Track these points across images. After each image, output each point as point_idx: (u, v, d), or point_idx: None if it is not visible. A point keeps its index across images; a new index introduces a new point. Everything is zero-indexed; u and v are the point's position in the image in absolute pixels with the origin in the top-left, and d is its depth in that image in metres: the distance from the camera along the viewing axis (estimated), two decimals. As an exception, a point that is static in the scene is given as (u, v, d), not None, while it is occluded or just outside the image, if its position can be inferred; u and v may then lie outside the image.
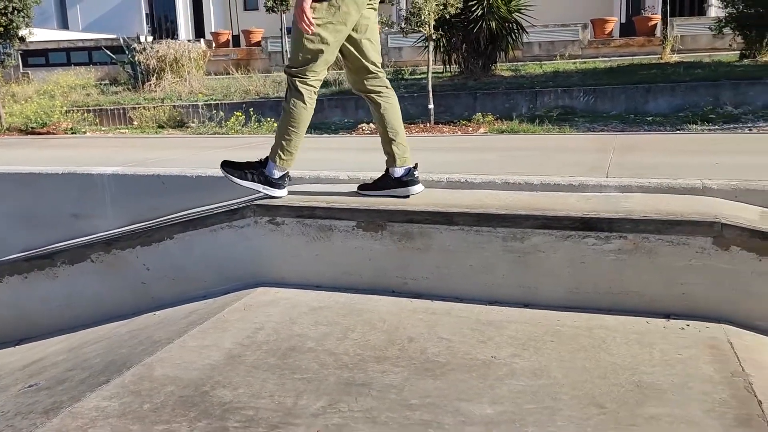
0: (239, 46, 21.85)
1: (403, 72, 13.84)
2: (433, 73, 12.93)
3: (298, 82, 2.78)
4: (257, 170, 2.90)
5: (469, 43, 11.77)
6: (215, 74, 15.63)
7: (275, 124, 7.84)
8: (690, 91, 9.25)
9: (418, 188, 2.92)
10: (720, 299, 2.34)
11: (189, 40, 15.79)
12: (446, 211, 2.64)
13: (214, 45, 21.17)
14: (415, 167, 2.95)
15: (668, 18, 13.69)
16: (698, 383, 1.91)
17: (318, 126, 9.22)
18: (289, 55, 2.82)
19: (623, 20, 19.74)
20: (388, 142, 2.93)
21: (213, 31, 22.81)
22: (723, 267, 2.32)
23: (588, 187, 2.87)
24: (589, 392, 1.88)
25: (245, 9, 24.68)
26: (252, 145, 5.22)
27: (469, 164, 3.59)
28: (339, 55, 2.88)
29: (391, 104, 2.93)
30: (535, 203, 2.70)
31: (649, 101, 9.31)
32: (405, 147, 2.93)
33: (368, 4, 2.79)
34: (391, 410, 1.81)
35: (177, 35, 23.32)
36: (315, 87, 2.82)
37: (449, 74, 12.02)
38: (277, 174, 2.89)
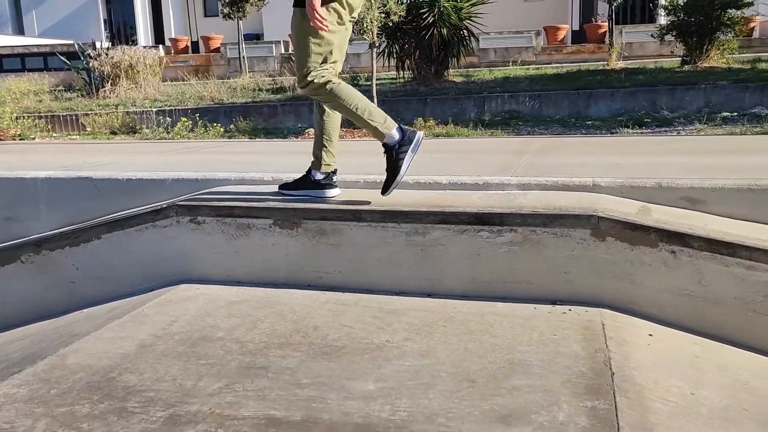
0: (198, 52, 21.81)
1: (359, 78, 14.04)
2: (387, 79, 13.21)
3: (316, 81, 2.74)
4: (389, 149, 2.82)
5: (421, 49, 12.03)
6: (174, 80, 15.63)
7: (221, 129, 7.98)
8: (629, 97, 9.62)
9: (334, 192, 3.05)
10: (599, 286, 2.56)
11: (145, 47, 15.76)
12: (355, 209, 2.82)
13: (173, 51, 21.11)
14: (335, 172, 3.07)
15: (613, 25, 14.11)
16: (564, 359, 2.11)
17: (271, 131, 9.35)
18: (298, 69, 2.78)
19: (575, 27, 20.25)
20: (319, 147, 3.02)
21: (172, 37, 22.70)
22: (601, 256, 2.54)
23: (492, 186, 3.08)
24: (466, 369, 2.07)
25: (205, 15, 24.63)
26: (190, 149, 5.34)
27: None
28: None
29: (335, 113, 2.99)
30: (440, 201, 2.89)
31: (591, 106, 9.66)
32: (333, 156, 3.03)
33: (351, 17, 2.84)
34: (282, 389, 1.98)
35: (136, 41, 23.17)
36: (331, 69, 2.79)
37: (403, 80, 12.26)
38: (397, 136, 2.82)
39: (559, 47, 18.22)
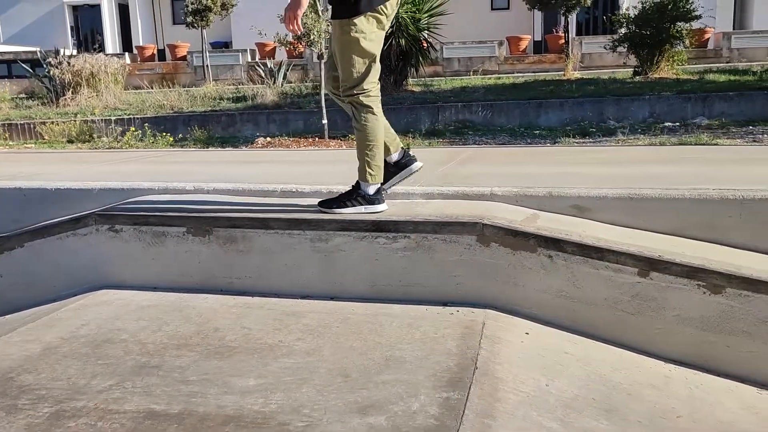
0: (165, 60, 21.81)
1: (319, 87, 14.20)
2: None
3: (362, 98, 2.82)
4: (353, 194, 2.95)
5: (381, 59, 12.24)
6: (140, 88, 15.66)
7: (171, 139, 8.09)
8: (578, 107, 9.92)
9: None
10: (485, 288, 2.74)
11: (111, 54, 15.78)
12: (263, 217, 2.98)
13: (139, 59, 21.09)
14: (408, 147, 3.10)
15: (569, 37, 14.47)
16: (437, 356, 2.29)
17: (227, 139, 9.48)
18: (342, 79, 2.83)
19: (538, 38, 20.66)
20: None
21: (138, 44, 22.68)
22: (486, 260, 2.73)
23: (398, 194, 3.26)
24: (344, 366, 2.24)
25: (174, 23, 24.65)
26: (133, 159, 5.45)
27: (317, 175, 3.94)
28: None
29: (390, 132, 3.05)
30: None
31: (541, 115, 9.94)
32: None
33: (388, 21, 2.85)
34: (168, 386, 2.12)
35: (103, 49, 23.10)
36: (378, 96, 2.88)
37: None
38: (372, 190, 2.93)
39: (522, 57, 18.60)
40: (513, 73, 17.21)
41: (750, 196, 2.84)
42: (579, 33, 21.55)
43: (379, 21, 2.78)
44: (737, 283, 2.46)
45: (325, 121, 7.23)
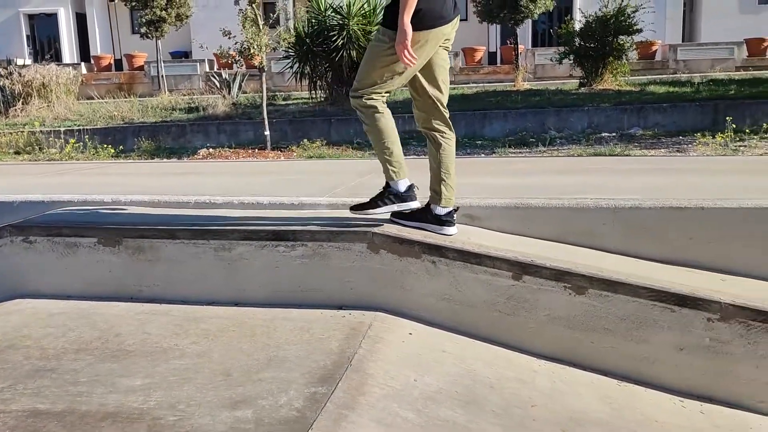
0: (122, 69, 21.72)
1: (277, 97, 14.37)
2: (300, 99, 13.56)
3: (365, 99, 2.80)
4: (384, 194, 2.93)
5: (334, 71, 12.45)
6: (97, 98, 15.59)
7: (112, 150, 8.16)
8: (521, 117, 10.24)
9: (452, 230, 2.97)
10: (376, 292, 2.93)
11: (61, 64, 15.70)
12: (170, 228, 3.13)
13: (95, 68, 20.97)
14: (456, 210, 3.03)
15: (518, 48, 14.87)
16: (317, 355, 2.47)
17: (176, 150, 9.56)
18: (357, 79, 2.81)
19: (493, 49, 21.09)
20: (438, 182, 2.97)
21: (95, 54, 22.53)
22: (377, 266, 2.92)
23: (306, 205, 3.44)
24: (229, 366, 2.40)
25: (132, 32, 24.52)
26: (67, 171, 5.54)
27: (235, 187, 4.10)
28: (411, 91, 2.96)
29: (450, 146, 2.98)
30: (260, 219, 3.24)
31: (486, 126, 10.23)
32: (453, 189, 2.98)
33: (443, 43, 2.81)
34: (58, 387, 2.26)
35: (60, 58, 22.89)
36: (383, 96, 2.84)
37: (315, 101, 12.64)
38: (402, 186, 2.91)
39: (477, 68, 19.00)
40: (468, 83, 17.56)
41: (621, 204, 3.09)
42: (535, 44, 22.09)
43: (420, 50, 2.70)
44: (598, 284, 2.69)
45: (267, 133, 7.37)
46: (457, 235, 3.00)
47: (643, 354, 2.69)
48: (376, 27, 12.43)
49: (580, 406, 2.45)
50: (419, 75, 2.85)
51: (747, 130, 7.34)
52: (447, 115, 2.95)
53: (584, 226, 3.13)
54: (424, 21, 2.69)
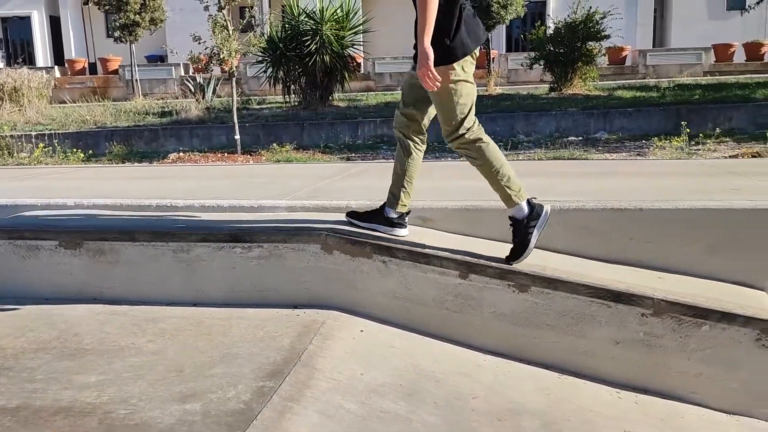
0: (97, 73, 21.59)
1: (251, 101, 14.42)
2: (275, 103, 13.63)
3: (467, 136, 2.81)
4: (518, 224, 2.86)
5: (307, 75, 12.54)
6: (71, 102, 15.50)
7: (82, 154, 8.16)
8: (491, 122, 10.38)
9: (404, 231, 3.08)
10: (331, 291, 3.04)
11: (33, 68, 15.59)
12: (130, 230, 3.21)
13: (69, 72, 20.83)
14: (408, 213, 3.11)
15: (490, 53, 15.09)
16: (269, 352, 2.57)
17: (148, 154, 9.57)
18: (445, 124, 2.83)
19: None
20: (399, 187, 3.04)
21: (69, 58, 22.36)
22: (330, 267, 3.03)
23: (265, 208, 3.54)
24: (183, 363, 2.49)
25: (107, 36, 24.37)
26: (36, 175, 5.57)
27: (198, 191, 4.18)
28: (409, 98, 2.96)
29: (419, 156, 3.06)
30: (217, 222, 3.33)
31: (456, 130, 10.36)
32: (410, 197, 3.07)
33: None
34: (15, 384, 2.33)
35: (33, 62, 22.69)
36: (480, 127, 2.86)
37: (289, 105, 12.72)
38: (526, 208, 2.85)
39: (451, 73, 19.18)
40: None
41: (566, 206, 3.23)
42: (509, 49, 22.36)
43: (473, 56, 2.79)
44: (540, 282, 2.82)
45: (237, 137, 7.45)
46: (408, 237, 3.11)
47: (582, 348, 2.83)
48: (350, 31, 12.62)
49: (519, 397, 2.57)
50: (426, 90, 2.82)
51: (701, 135, 7.58)
52: (426, 129, 3.03)
53: (531, 227, 3.26)
54: (466, 48, 2.73)
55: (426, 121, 3.01)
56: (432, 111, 2.98)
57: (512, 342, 2.88)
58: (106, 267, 3.22)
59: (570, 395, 2.67)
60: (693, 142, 7.26)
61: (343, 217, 3.34)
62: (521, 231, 2.85)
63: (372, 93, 16.70)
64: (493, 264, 2.88)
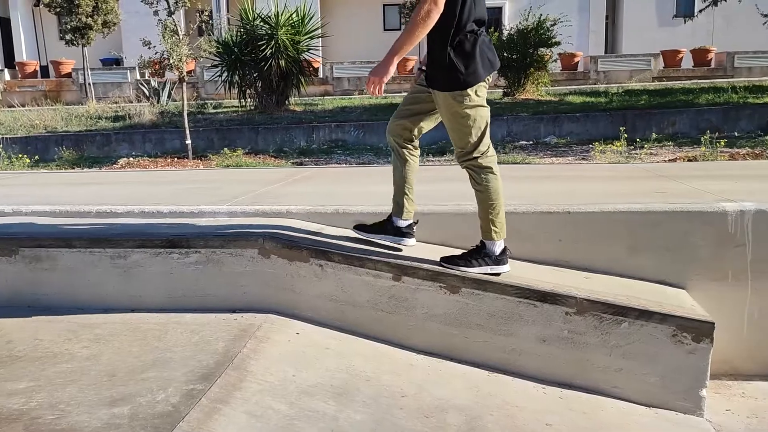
0: (49, 76, 21.14)
1: (207, 105, 14.32)
2: (231, 108, 13.57)
3: (480, 161, 2.84)
4: (480, 253, 2.94)
5: (263, 80, 12.54)
6: (21, 106, 15.16)
7: (27, 160, 8.03)
8: (442, 127, 10.53)
9: (412, 241, 3.09)
10: (269, 295, 3.09)
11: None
12: (67, 237, 3.21)
13: (20, 75, 20.36)
14: (416, 223, 3.13)
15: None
16: (203, 355, 2.61)
17: (99, 160, 9.45)
18: (458, 146, 2.87)
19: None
20: (401, 195, 3.07)
21: (19, 60, 21.84)
22: (268, 271, 3.08)
23: (206, 213, 3.57)
24: (116, 367, 2.52)
25: (60, 38, 23.84)
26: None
27: (147, 195, 4.18)
28: (412, 107, 2.98)
29: (415, 162, 3.08)
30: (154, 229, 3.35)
31: (410, 135, 10.47)
32: (413, 203, 3.10)
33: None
34: (-59, 392, 2.33)
35: (-18, 64, 22.09)
36: (494, 154, 2.90)
37: (245, 109, 12.69)
38: (498, 249, 2.93)
39: (408, 77, 19.34)
40: (400, 92, 17.89)
41: (494, 210, 3.34)
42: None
43: (486, 84, 2.82)
44: (470, 283, 2.92)
45: (188, 141, 7.43)
46: (344, 240, 3.19)
47: (511, 346, 2.94)
48: (306, 36, 12.66)
49: (448, 395, 2.66)
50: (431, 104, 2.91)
51: (638, 139, 7.84)
52: (416, 138, 3.07)
53: (466, 231, 3.36)
54: (479, 76, 2.75)
55: (417, 132, 3.04)
56: (425, 126, 3.02)
57: (444, 342, 2.98)
58: (42, 274, 3.21)
59: (497, 391, 2.77)
60: (633, 147, 7.52)
61: (282, 221, 3.41)
62: (477, 255, 2.95)
63: (330, 97, 16.75)
64: (425, 266, 2.97)
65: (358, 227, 3.20)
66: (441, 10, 2.63)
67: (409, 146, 3.05)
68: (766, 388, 3.22)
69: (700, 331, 2.78)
